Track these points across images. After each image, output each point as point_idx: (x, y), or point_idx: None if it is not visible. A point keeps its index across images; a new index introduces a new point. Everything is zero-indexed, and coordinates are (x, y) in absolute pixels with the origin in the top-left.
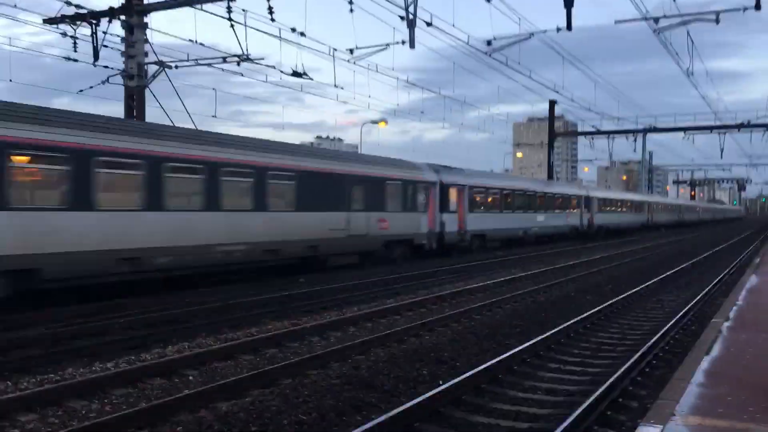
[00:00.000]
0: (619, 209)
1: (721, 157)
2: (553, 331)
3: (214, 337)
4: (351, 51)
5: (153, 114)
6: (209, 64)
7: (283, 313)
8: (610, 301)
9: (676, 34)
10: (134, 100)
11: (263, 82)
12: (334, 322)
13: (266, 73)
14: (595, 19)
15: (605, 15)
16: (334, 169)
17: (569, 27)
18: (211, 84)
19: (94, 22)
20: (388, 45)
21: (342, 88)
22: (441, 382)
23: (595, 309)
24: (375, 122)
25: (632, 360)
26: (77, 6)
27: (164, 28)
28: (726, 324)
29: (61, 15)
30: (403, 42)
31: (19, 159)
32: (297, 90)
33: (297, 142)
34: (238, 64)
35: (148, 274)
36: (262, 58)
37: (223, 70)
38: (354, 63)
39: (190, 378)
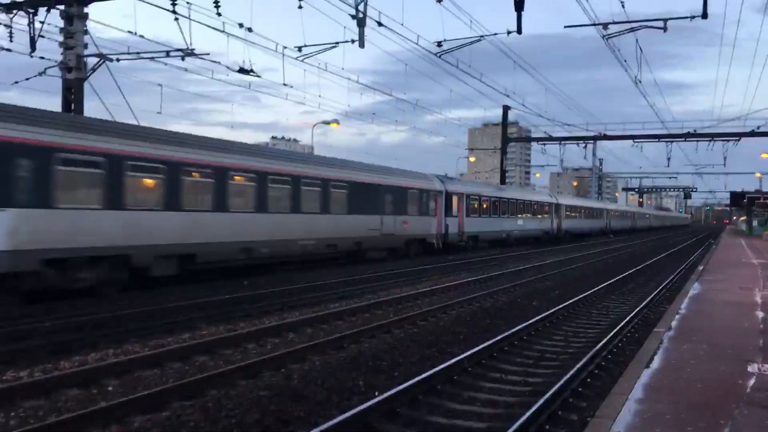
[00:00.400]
0: (583, 215)
1: (668, 166)
2: (496, 338)
3: (142, 344)
4: (299, 49)
5: (93, 108)
6: (152, 58)
7: (222, 318)
8: (556, 307)
9: (625, 43)
10: (72, 94)
11: (217, 81)
12: (273, 328)
13: (213, 70)
14: (549, 27)
15: (559, 23)
16: (373, 180)
17: (519, 30)
18: (163, 81)
19: (31, 11)
20: (337, 44)
21: (292, 87)
22: (377, 393)
23: (541, 315)
24: (327, 122)
25: (573, 370)
26: None
27: (105, 20)
28: (668, 334)
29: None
30: (353, 41)
31: (193, 176)
32: (252, 90)
33: (252, 142)
34: (183, 58)
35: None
36: (207, 54)
37: (165, 64)
38: (303, 61)
39: (110, 388)
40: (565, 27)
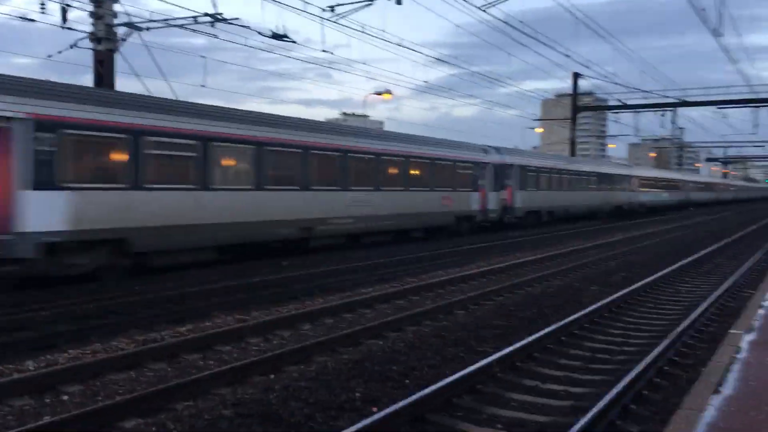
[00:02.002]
0: (659, 187)
1: (755, 133)
2: (539, 334)
3: (130, 338)
4: (332, 8)
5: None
6: (181, 26)
7: (242, 304)
8: (617, 294)
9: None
10: (103, 65)
11: (290, 58)
12: (287, 319)
13: (246, 37)
14: None
15: None
16: (448, 155)
17: None
18: (239, 61)
19: None
20: (372, 1)
21: (364, 63)
22: (375, 409)
23: (598, 304)
24: (380, 93)
25: (626, 381)
26: None
27: None
28: (748, 338)
29: None
30: None
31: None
32: (324, 66)
33: (324, 119)
34: (212, 24)
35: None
36: (237, 18)
37: (194, 31)
38: (336, 22)
39: (65, 398)
40: None
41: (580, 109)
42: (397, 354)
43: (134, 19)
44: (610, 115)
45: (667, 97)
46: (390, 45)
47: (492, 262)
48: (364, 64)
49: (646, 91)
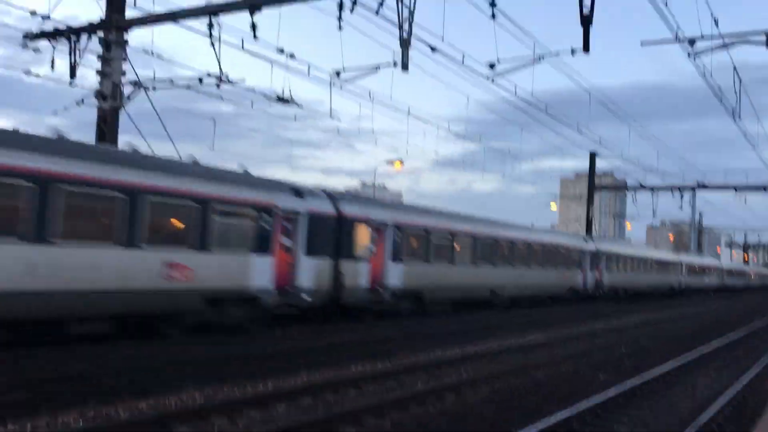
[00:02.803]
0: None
1: None
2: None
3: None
4: (338, 74)
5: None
6: (187, 86)
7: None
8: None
9: (725, 76)
10: (106, 123)
11: (312, 127)
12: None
13: (252, 100)
14: (650, 75)
15: (661, 71)
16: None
17: (586, 48)
18: (262, 127)
19: (73, 38)
20: (378, 67)
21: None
22: None
23: (605, 396)
24: (391, 162)
25: None
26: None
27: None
28: None
29: (41, 31)
30: (395, 63)
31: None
32: (343, 136)
33: (342, 188)
34: (217, 86)
35: None
36: (243, 80)
37: (198, 92)
38: (341, 88)
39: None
40: (642, 44)
41: (597, 188)
42: None
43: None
44: (629, 196)
45: (686, 179)
46: (411, 118)
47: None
48: (384, 135)
49: (664, 172)
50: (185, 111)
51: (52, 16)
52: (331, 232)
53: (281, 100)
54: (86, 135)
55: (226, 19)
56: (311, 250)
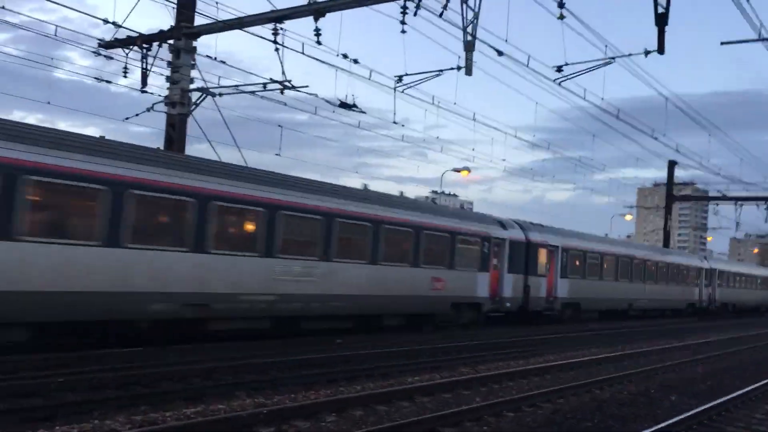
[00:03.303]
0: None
1: None
2: None
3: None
4: (399, 78)
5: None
6: (252, 92)
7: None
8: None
9: None
10: (175, 129)
11: (384, 136)
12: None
13: (316, 106)
14: (736, 84)
15: (745, 78)
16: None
17: (661, 50)
18: (337, 137)
19: (145, 46)
20: (441, 71)
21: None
22: None
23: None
24: (458, 170)
25: None
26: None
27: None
28: None
29: (115, 39)
30: (459, 68)
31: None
32: (417, 145)
33: (413, 196)
34: (282, 92)
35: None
36: (306, 86)
37: (262, 97)
38: (403, 92)
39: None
40: (722, 43)
41: (675, 198)
42: None
43: (209, 85)
44: (711, 207)
45: None
46: (480, 125)
47: (497, 367)
48: (454, 144)
49: (748, 183)
50: (256, 119)
51: (124, 24)
52: (522, 254)
53: (344, 105)
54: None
55: (290, 25)
56: (511, 269)
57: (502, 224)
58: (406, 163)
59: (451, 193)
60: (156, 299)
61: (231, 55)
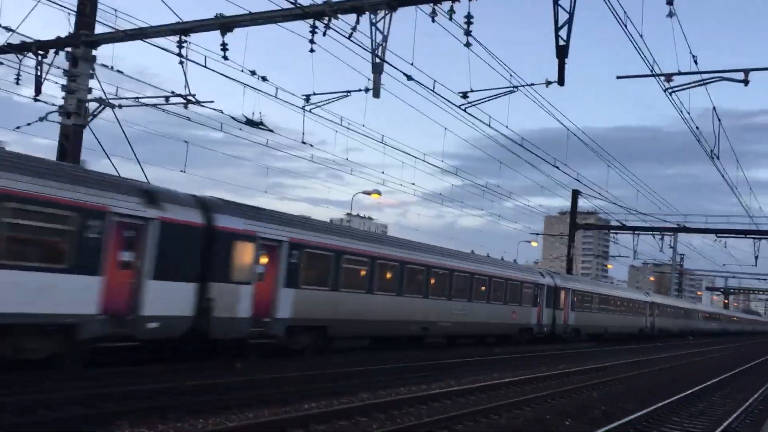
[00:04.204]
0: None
1: (755, 265)
2: None
3: None
4: (307, 98)
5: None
6: (154, 105)
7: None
8: None
9: (705, 127)
10: (69, 140)
11: (299, 158)
12: None
13: (222, 122)
14: (639, 120)
15: (649, 115)
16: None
17: (561, 81)
18: (251, 156)
19: (41, 53)
20: (349, 92)
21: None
22: None
23: None
24: (368, 193)
25: None
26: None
27: (107, 60)
28: None
29: (8, 44)
30: (367, 89)
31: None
32: (332, 168)
33: (328, 218)
34: (185, 106)
35: None
36: (212, 101)
37: (164, 110)
38: (310, 111)
39: None
40: (618, 77)
41: (578, 226)
42: None
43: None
44: (612, 237)
45: (667, 222)
46: (395, 151)
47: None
48: (371, 168)
49: (645, 214)
50: (163, 135)
51: (19, 30)
52: (552, 295)
53: (251, 123)
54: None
55: (198, 39)
56: (547, 305)
57: (541, 274)
58: (320, 184)
59: (367, 216)
60: None
61: (145, 69)
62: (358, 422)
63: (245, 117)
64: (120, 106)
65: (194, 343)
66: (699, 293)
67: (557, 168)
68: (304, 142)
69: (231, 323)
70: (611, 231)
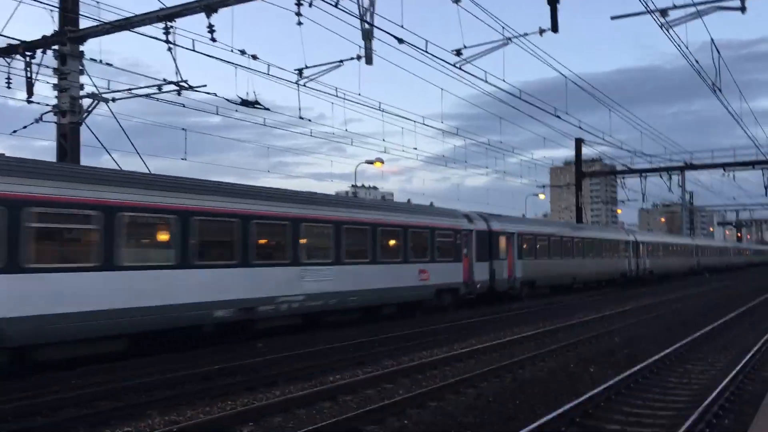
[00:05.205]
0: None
1: (766, 195)
2: None
3: None
4: (300, 72)
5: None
6: (147, 95)
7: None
8: (617, 378)
9: (705, 61)
10: (67, 140)
11: (301, 134)
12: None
13: (217, 105)
14: (637, 60)
15: (646, 55)
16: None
17: (555, 28)
18: (252, 137)
19: (29, 54)
20: (342, 62)
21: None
22: None
23: (595, 390)
24: (371, 162)
25: None
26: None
27: (96, 55)
28: None
29: None
30: (359, 57)
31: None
32: (334, 141)
33: (333, 192)
34: (178, 93)
35: None
36: (204, 86)
37: (158, 100)
38: (303, 85)
39: None
40: (612, 18)
41: (584, 174)
42: None
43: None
44: (619, 181)
45: (673, 161)
46: (394, 117)
47: (472, 342)
48: (373, 137)
49: (652, 155)
50: (160, 124)
51: (4, 33)
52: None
53: (246, 103)
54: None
55: (183, 23)
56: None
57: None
58: (322, 159)
59: (372, 186)
60: None
61: (136, 61)
62: (383, 390)
63: (240, 98)
64: (114, 100)
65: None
66: (711, 229)
67: (558, 117)
68: (301, 117)
69: (502, 282)
70: (618, 175)
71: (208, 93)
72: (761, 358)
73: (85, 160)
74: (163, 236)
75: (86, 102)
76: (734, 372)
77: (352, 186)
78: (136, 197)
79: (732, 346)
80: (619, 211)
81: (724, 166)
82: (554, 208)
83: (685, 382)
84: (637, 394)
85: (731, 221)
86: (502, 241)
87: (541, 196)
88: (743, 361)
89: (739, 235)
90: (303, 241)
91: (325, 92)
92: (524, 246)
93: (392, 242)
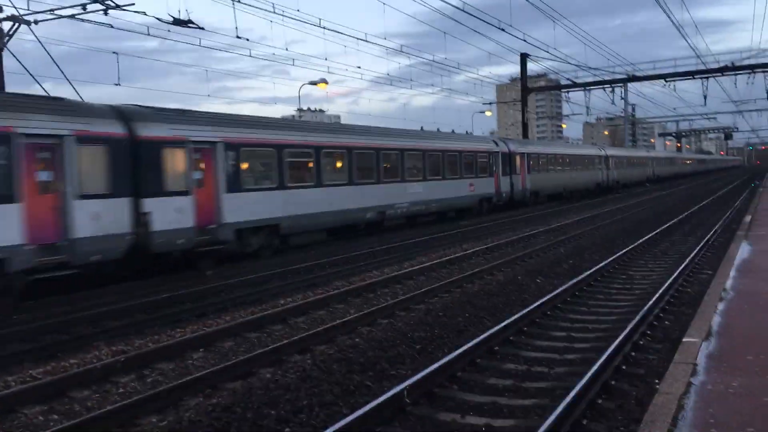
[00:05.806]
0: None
1: (705, 105)
2: (464, 348)
3: None
4: None
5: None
6: (72, 15)
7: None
8: (562, 287)
9: None
10: None
11: (245, 57)
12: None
13: (148, 26)
14: None
15: None
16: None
17: None
18: (191, 61)
19: None
20: None
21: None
22: None
23: (538, 302)
24: (314, 83)
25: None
26: None
27: None
28: (704, 351)
29: None
30: None
31: None
32: (279, 63)
33: (279, 116)
34: (105, 12)
35: None
36: (132, 4)
37: (83, 20)
38: (239, 1)
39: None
40: None
41: (529, 90)
42: (278, 395)
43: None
44: (564, 96)
45: (616, 73)
46: (347, 39)
47: (445, 254)
48: (316, 58)
49: (596, 69)
50: (94, 49)
51: None
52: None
53: (178, 22)
54: None
55: None
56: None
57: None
58: (266, 83)
59: (318, 108)
60: None
61: None
62: (335, 309)
63: (172, 17)
64: (36, 22)
65: (139, 260)
66: (652, 140)
67: (503, 31)
68: (239, 37)
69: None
70: (563, 90)
71: (136, 12)
72: (699, 262)
73: (13, 89)
74: (339, 164)
75: (6, 25)
76: (673, 276)
77: (298, 110)
78: (328, 139)
79: (672, 251)
80: (564, 125)
81: (665, 77)
82: (501, 125)
83: (627, 288)
84: (582, 301)
85: (672, 132)
86: (518, 159)
87: (488, 113)
88: (682, 266)
89: (678, 145)
90: (407, 165)
91: (262, 8)
92: (531, 163)
93: (453, 164)
